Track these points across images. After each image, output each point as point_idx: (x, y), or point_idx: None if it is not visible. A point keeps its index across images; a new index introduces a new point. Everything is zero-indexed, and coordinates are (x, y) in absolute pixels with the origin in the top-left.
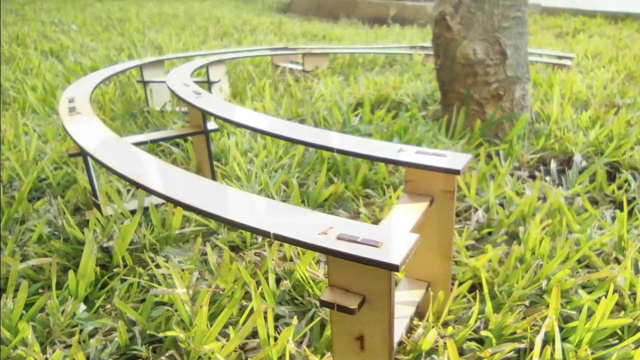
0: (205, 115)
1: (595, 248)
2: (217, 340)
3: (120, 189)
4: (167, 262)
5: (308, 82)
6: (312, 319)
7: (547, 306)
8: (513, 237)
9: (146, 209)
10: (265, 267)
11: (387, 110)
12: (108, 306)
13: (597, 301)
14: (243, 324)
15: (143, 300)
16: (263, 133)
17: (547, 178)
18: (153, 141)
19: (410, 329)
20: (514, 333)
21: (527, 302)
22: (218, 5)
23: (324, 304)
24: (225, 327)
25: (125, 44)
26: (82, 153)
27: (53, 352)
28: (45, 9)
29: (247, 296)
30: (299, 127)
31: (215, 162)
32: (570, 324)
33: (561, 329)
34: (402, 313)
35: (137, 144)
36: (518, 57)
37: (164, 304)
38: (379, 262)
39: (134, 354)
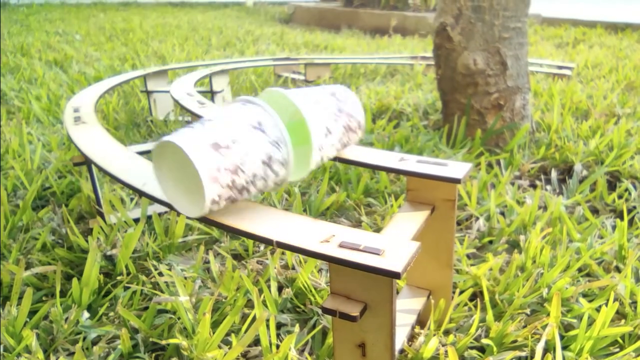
0: None
1: (596, 257)
2: (220, 347)
3: (123, 198)
4: (170, 270)
5: None
6: (313, 326)
7: (548, 314)
8: (514, 245)
9: (149, 217)
10: (267, 275)
11: (389, 119)
12: (111, 314)
13: (598, 310)
14: (245, 331)
15: (146, 308)
16: None
17: (548, 187)
18: None
19: (412, 337)
20: (515, 341)
21: (528, 311)
22: (221, 16)
23: (326, 311)
24: (228, 334)
25: (129, 54)
26: (87, 162)
27: (56, 359)
28: (50, 19)
29: (249, 304)
30: None
31: None
32: (571, 332)
33: (562, 337)
34: (404, 321)
35: (141, 153)
36: (518, 67)
37: (166, 311)
38: (381, 270)
39: None
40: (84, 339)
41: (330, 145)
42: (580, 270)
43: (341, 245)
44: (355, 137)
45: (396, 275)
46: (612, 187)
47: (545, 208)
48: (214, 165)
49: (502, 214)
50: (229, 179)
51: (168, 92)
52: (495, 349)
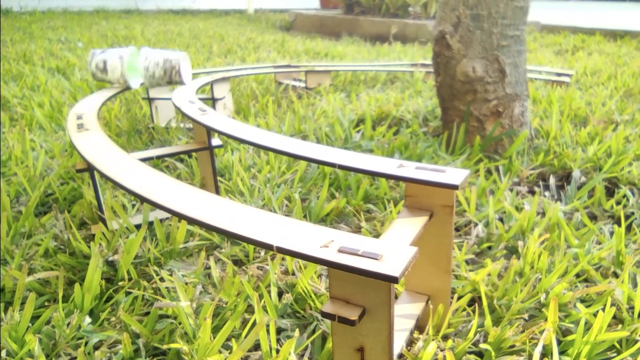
0: (210, 131)
1: (594, 262)
2: (220, 352)
3: (125, 204)
4: (171, 275)
5: (310, 99)
6: (313, 331)
7: (546, 319)
8: (512, 251)
9: (151, 223)
10: (267, 281)
11: (388, 126)
12: (113, 319)
13: (595, 315)
14: (246, 336)
15: (147, 313)
16: (266, 149)
17: (546, 193)
18: (159, 157)
19: (411, 342)
20: (513, 346)
21: (525, 316)
22: (222, 23)
23: (325, 315)
24: (228, 339)
25: None
26: (90, 169)
27: None
28: (52, 26)
29: (249, 309)
30: (302, 143)
31: (219, 178)
32: (569, 337)
33: (559, 342)
34: (402, 326)
35: (144, 160)
36: (517, 75)
37: (167, 316)
38: (379, 274)
39: None
40: (86, 343)
41: (153, 55)
42: (578, 275)
43: (340, 250)
44: (175, 67)
45: (394, 280)
46: (610, 193)
47: (543, 214)
48: (97, 51)
49: (501, 220)
50: (100, 58)
51: (170, 99)
52: (493, 353)
